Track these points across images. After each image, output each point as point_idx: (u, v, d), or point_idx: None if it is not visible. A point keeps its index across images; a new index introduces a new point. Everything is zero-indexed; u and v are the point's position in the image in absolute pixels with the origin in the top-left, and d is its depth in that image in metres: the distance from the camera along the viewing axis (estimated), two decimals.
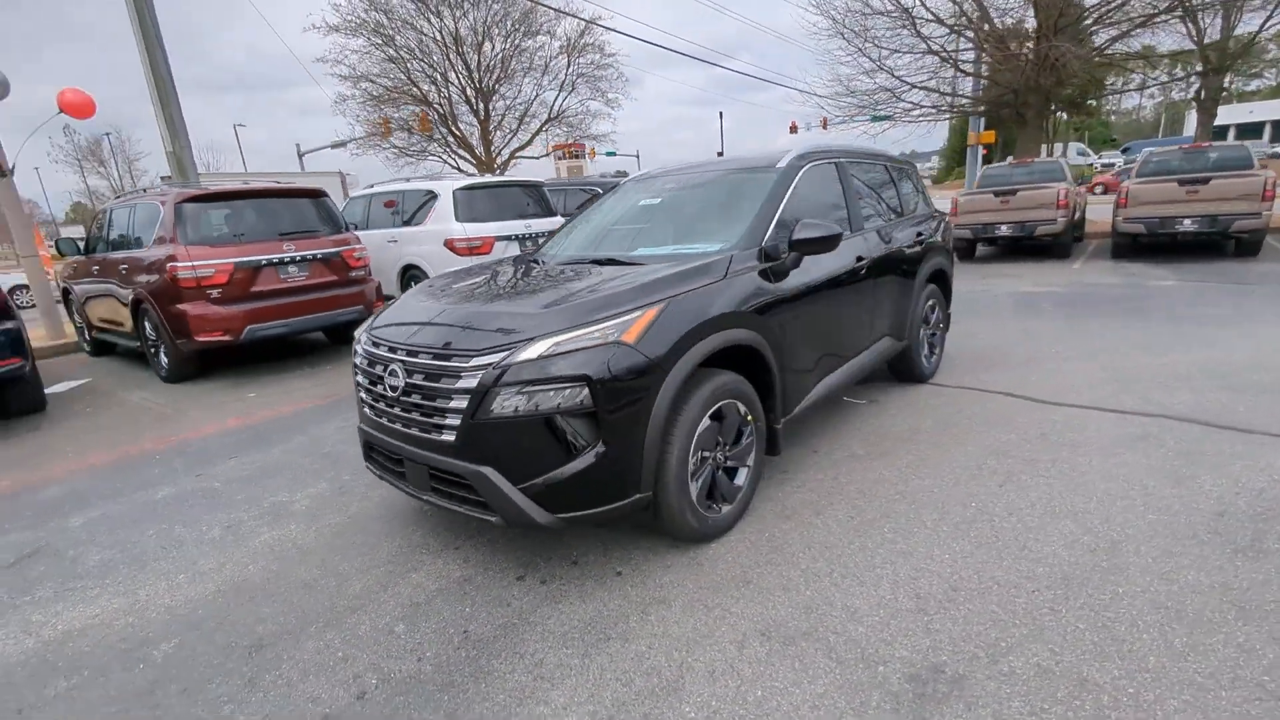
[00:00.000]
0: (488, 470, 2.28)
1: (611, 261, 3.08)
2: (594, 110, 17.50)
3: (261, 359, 7.06)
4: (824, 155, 3.72)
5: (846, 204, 3.76)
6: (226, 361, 6.91)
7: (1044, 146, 17.22)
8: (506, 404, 2.22)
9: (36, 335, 9.46)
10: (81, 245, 7.81)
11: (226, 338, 6.05)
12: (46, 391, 6.16)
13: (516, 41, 15.75)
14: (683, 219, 3.51)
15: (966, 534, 2.63)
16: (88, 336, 8.27)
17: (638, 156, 69.93)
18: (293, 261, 6.46)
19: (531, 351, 2.23)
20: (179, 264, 5.93)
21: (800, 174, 3.43)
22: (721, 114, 73.97)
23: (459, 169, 16.83)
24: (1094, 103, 33.29)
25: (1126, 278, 8.39)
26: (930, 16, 14.57)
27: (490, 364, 2.25)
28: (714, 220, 3.35)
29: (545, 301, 2.52)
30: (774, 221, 3.10)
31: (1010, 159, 13.29)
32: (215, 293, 6.01)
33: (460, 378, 2.30)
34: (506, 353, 2.25)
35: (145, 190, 7.24)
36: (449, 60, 15.11)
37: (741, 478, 2.86)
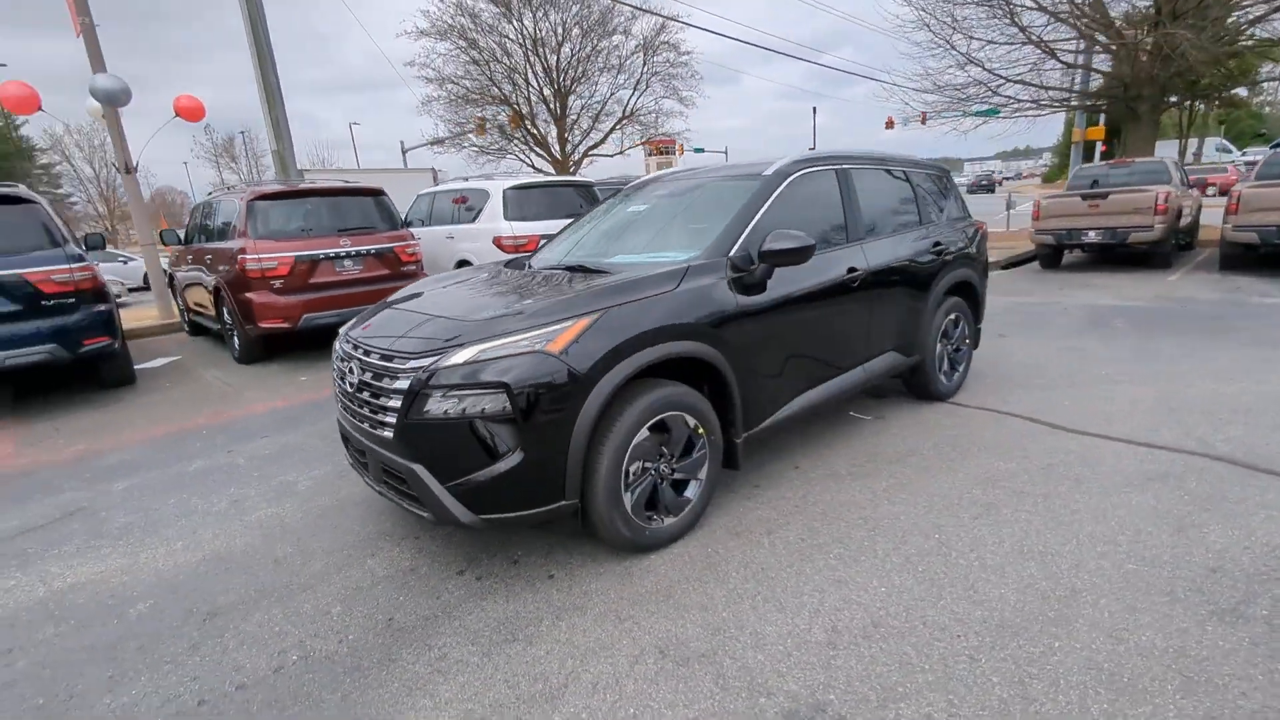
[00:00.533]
0: (418, 467, 2.39)
1: (581, 269, 3.12)
2: (668, 109, 17.58)
3: (324, 345, 7.62)
4: (823, 162, 3.59)
5: (845, 213, 3.61)
6: (291, 345, 7.50)
7: (1178, 142, 15.61)
8: (434, 406, 2.32)
9: (150, 315, 10.66)
10: (181, 236, 8.71)
11: (286, 325, 6.56)
12: (141, 367, 6.93)
13: (594, 42, 16.01)
14: (664, 227, 3.50)
15: (915, 567, 2.48)
16: (186, 318, 9.21)
17: (726, 152, 69.17)
18: (348, 255, 6.91)
19: (459, 357, 2.32)
20: (248, 256, 6.50)
21: (787, 182, 3.33)
22: (815, 109, 71.88)
23: (534, 167, 17.34)
24: (1242, 92, 29.79)
25: (1227, 293, 7.51)
26: (1032, 4, 13.53)
27: (421, 367, 2.35)
28: (692, 229, 3.32)
29: (491, 308, 2.60)
30: (746, 231, 3.04)
31: (1109, 158, 12.15)
32: (278, 283, 6.54)
33: (397, 378, 2.43)
34: (436, 357, 2.35)
35: (230, 188, 7.97)
36: (528, 61, 15.59)
37: (692, 491, 2.83)
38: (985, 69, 14.24)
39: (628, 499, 2.56)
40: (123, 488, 3.84)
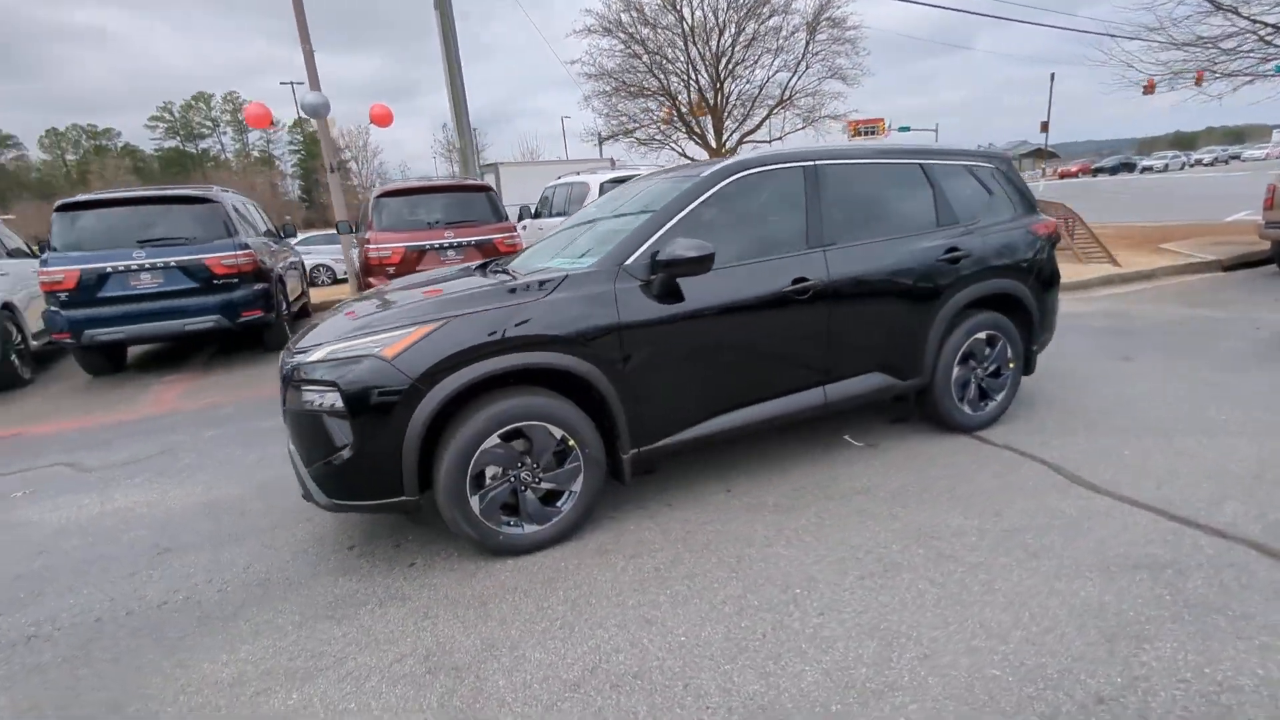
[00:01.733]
0: (292, 449, 2.69)
1: (504, 273, 3.20)
2: (830, 90, 16.33)
3: None
4: (783, 159, 3.24)
5: (807, 217, 3.22)
6: None
7: None
8: (294, 396, 2.59)
9: (344, 292, 12.70)
10: (352, 227, 10.28)
11: None
12: None
13: (756, 25, 15.45)
14: (600, 230, 3.41)
15: (739, 622, 2.22)
16: None
17: (936, 130, 62.83)
18: (451, 246, 7.66)
19: (314, 355, 2.56)
20: (370, 246, 7.53)
21: (722, 185, 3.07)
22: (1053, 76, 62.34)
23: (688, 157, 17.33)
24: None
25: None
26: None
27: (293, 363, 2.63)
28: (618, 233, 3.21)
29: (379, 311, 2.80)
30: (653, 238, 2.88)
31: None
32: (391, 270, 7.48)
33: (283, 368, 2.74)
34: (303, 355, 2.61)
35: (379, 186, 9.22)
36: (686, 51, 15.57)
37: (566, 502, 2.80)
38: (1243, 16, 11.16)
39: (475, 501, 2.63)
40: (211, 435, 4.76)
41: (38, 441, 4.95)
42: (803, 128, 16.94)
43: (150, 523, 3.36)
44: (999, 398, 3.78)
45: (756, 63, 16.02)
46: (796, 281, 3.07)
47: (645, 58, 15.51)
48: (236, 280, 6.94)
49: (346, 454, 2.50)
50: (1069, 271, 8.66)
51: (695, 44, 15.24)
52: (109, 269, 6.46)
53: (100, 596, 2.69)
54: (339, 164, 11.74)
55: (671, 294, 2.85)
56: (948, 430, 3.71)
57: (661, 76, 15.71)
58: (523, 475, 2.71)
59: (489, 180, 25.99)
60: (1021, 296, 3.71)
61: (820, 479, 3.28)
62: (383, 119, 13.37)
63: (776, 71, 15.76)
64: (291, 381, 2.60)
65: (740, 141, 16.74)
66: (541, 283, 2.74)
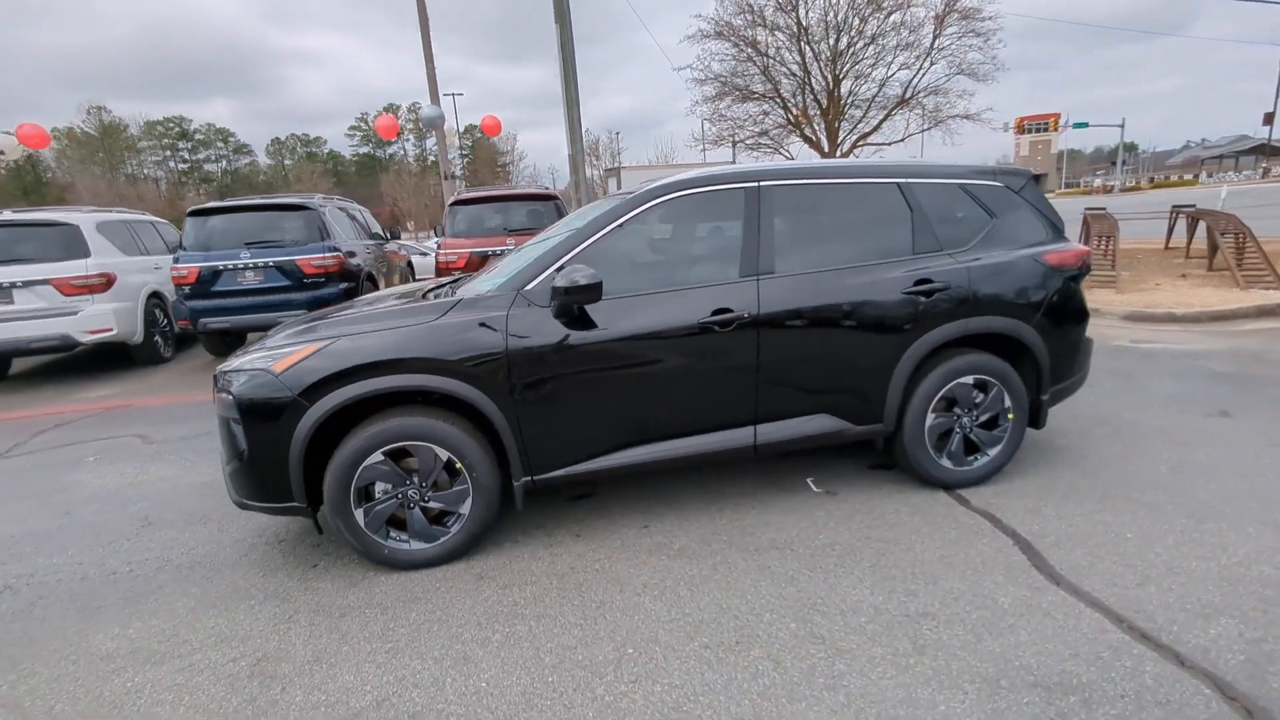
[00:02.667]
0: (221, 446, 2.95)
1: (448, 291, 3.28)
2: (958, 89, 14.70)
3: None
4: (719, 181, 3.02)
5: (744, 242, 2.96)
6: None
7: None
8: (217, 399, 2.83)
9: None
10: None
11: None
12: None
13: (878, 22, 14.38)
14: (530, 251, 3.35)
15: (545, 678, 2.11)
16: None
17: (1122, 126, 55.35)
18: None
19: (230, 364, 2.78)
20: (441, 251, 8.02)
21: (649, 207, 2.92)
22: None
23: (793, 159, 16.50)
24: None
25: None
26: None
27: (217, 370, 2.88)
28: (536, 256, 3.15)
29: (303, 325, 2.98)
30: (557, 263, 2.81)
31: None
32: (457, 274, 7.90)
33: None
34: (225, 364, 2.84)
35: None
36: (800, 52, 14.84)
37: (455, 523, 2.82)
38: None
39: (359, 514, 2.72)
40: None
41: (137, 412, 5.84)
42: (927, 129, 15.52)
43: (154, 497, 3.83)
44: (992, 452, 3.24)
45: (876, 60, 14.98)
46: (718, 312, 2.85)
47: (758, 60, 15.08)
48: (324, 279, 7.71)
49: (242, 460, 2.69)
50: (1221, 298, 7.27)
51: (810, 44, 14.53)
52: (221, 266, 7.45)
53: (75, 560, 3.12)
54: (452, 173, 12.62)
55: (575, 321, 2.76)
56: (927, 484, 3.26)
57: (773, 79, 15.18)
58: (410, 494, 2.76)
59: (611, 184, 26.52)
60: (1023, 337, 3.16)
61: (746, 525, 3.02)
62: (492, 129, 14.25)
63: (898, 70, 14.59)
64: (215, 385, 2.84)
65: (855, 145, 15.73)
66: (436, 305, 2.77)
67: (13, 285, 7.03)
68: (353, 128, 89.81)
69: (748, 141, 16.37)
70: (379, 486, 2.74)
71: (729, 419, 2.98)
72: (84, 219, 7.65)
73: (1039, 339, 3.18)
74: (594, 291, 2.62)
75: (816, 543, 2.83)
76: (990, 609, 2.31)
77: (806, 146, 15.80)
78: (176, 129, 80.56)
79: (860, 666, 2.06)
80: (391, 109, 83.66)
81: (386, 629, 2.42)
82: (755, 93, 15.31)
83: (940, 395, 3.12)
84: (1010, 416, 3.22)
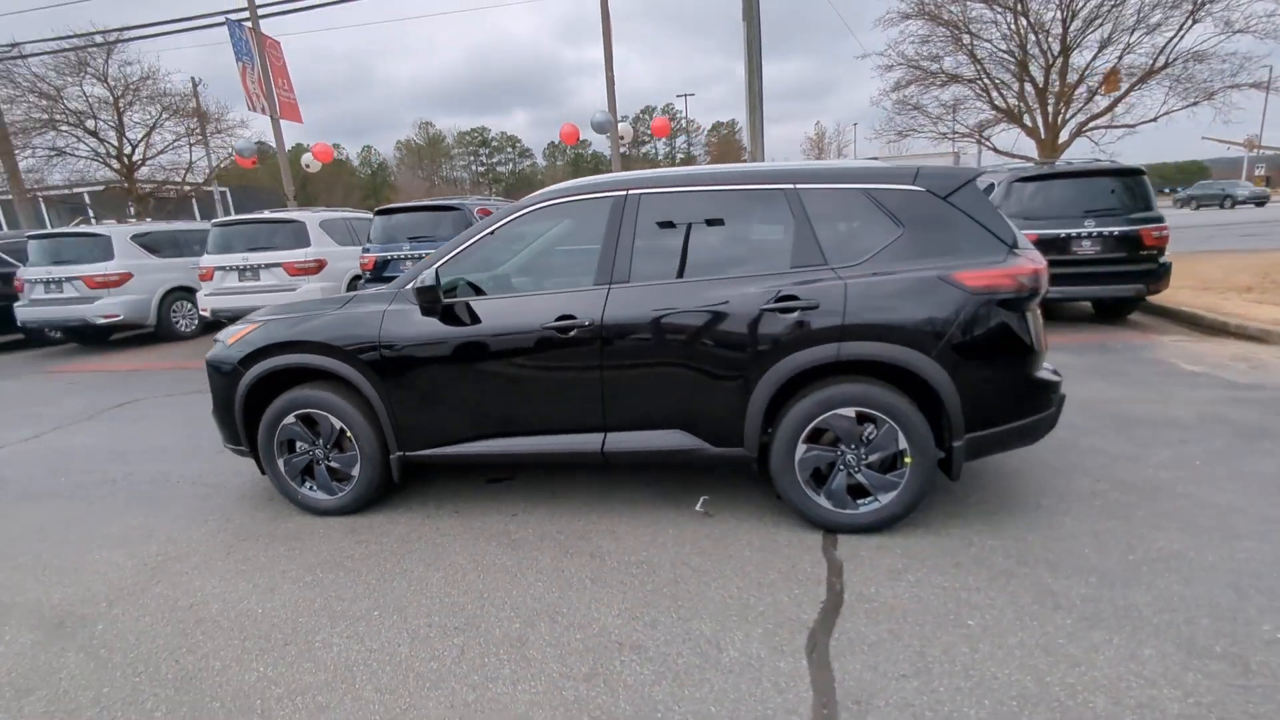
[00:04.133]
0: None
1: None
2: (1230, 52, 10.94)
3: None
4: (587, 190, 3.05)
5: (603, 250, 2.97)
6: None
7: None
8: None
9: None
10: None
11: None
12: None
13: None
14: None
15: (288, 612, 2.49)
16: None
17: None
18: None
19: (218, 333, 3.61)
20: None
21: (522, 215, 3.10)
22: None
23: (1002, 152, 13.96)
24: None
25: None
26: None
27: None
28: None
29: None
30: (435, 265, 3.11)
31: None
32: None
33: None
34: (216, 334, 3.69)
35: None
36: (1015, 24, 12.60)
37: (347, 483, 3.34)
38: None
39: (280, 463, 3.37)
40: None
41: None
42: (1186, 106, 12.01)
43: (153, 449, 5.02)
44: (884, 499, 2.79)
45: (1138, 20, 12.07)
46: (561, 318, 2.93)
47: (963, 38, 13.28)
48: None
49: (215, 409, 3.51)
50: None
51: (1028, 13, 12.33)
52: (389, 256, 9.07)
53: (74, 483, 4.30)
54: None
55: (444, 318, 3.06)
56: (805, 522, 2.94)
57: (979, 60, 13.23)
58: (317, 453, 3.34)
59: None
60: (919, 370, 2.66)
61: (596, 530, 3.05)
62: (661, 130, 14.78)
63: (1142, 33, 11.51)
64: None
65: (1078, 132, 12.92)
66: (340, 298, 3.29)
67: (260, 267, 9.40)
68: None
69: (944, 133, 14.57)
70: (299, 444, 3.36)
71: (578, 423, 3.04)
72: (310, 218, 9.85)
73: (943, 373, 2.66)
74: (431, 293, 2.91)
75: (631, 559, 2.78)
76: (705, 658, 2.13)
77: (1021, 134, 13.56)
78: (479, 138, 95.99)
79: (521, 675, 2.09)
80: (647, 112, 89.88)
81: (262, 554, 3.01)
82: (956, 77, 13.55)
83: (813, 425, 2.79)
84: (908, 460, 2.75)
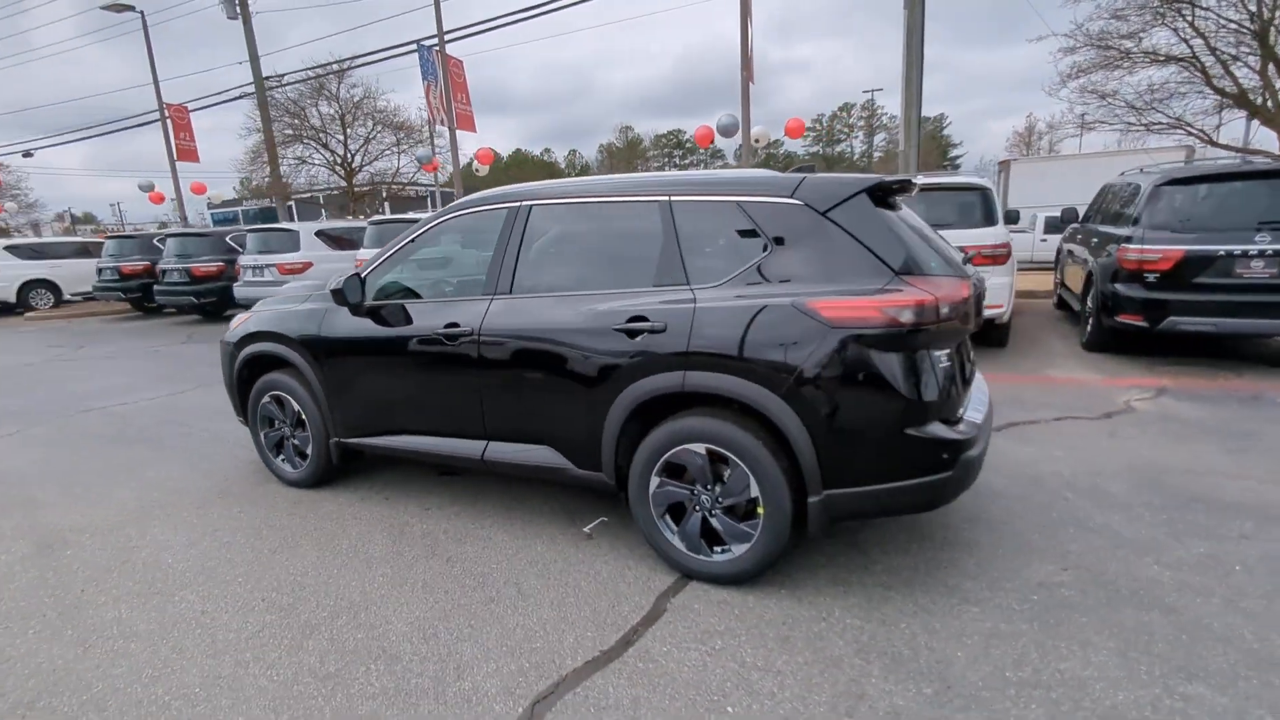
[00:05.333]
0: None
1: None
2: None
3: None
4: (489, 201, 3.09)
5: (493, 260, 2.99)
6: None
7: None
8: None
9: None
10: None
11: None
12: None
13: None
14: None
15: (168, 555, 2.87)
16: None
17: None
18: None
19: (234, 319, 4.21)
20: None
21: (438, 224, 3.24)
22: None
23: (1215, 144, 10.76)
24: None
25: None
26: None
27: None
28: None
29: None
30: (369, 268, 3.35)
31: None
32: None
33: None
34: None
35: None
36: None
37: (304, 460, 3.73)
38: None
39: (261, 435, 3.88)
40: None
41: None
42: None
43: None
44: (737, 550, 2.47)
45: None
46: (449, 326, 3.00)
47: (1186, 9, 10.75)
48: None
49: (226, 383, 4.13)
50: None
51: None
52: None
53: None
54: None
55: (367, 317, 3.30)
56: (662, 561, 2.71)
57: (1203, 33, 10.61)
58: (285, 430, 3.79)
59: (1002, 179, 22.26)
60: (765, 409, 2.30)
61: (475, 535, 3.08)
62: (795, 132, 14.09)
63: None
64: None
65: None
66: (304, 295, 3.67)
67: None
68: (808, 129, 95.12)
69: (1144, 124, 11.99)
70: (275, 421, 3.83)
71: (463, 429, 3.09)
72: None
73: (793, 416, 2.27)
74: (339, 296, 3.15)
75: (476, 569, 2.77)
76: (439, 684, 2.07)
77: (1258, 123, 10.69)
78: (674, 139, 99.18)
79: (281, 663, 2.22)
80: (846, 109, 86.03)
81: (217, 513, 3.50)
82: (1161, 56, 11.08)
83: (665, 459, 2.56)
84: (760, 510, 2.41)
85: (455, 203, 3.27)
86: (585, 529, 3.07)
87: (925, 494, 2.29)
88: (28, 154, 31.52)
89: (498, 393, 2.94)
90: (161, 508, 3.58)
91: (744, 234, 2.48)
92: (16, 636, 2.44)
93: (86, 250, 16.81)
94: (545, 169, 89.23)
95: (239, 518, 3.41)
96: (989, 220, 6.27)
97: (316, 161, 21.80)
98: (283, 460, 3.85)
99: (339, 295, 3.17)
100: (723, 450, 2.43)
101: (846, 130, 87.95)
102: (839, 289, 2.27)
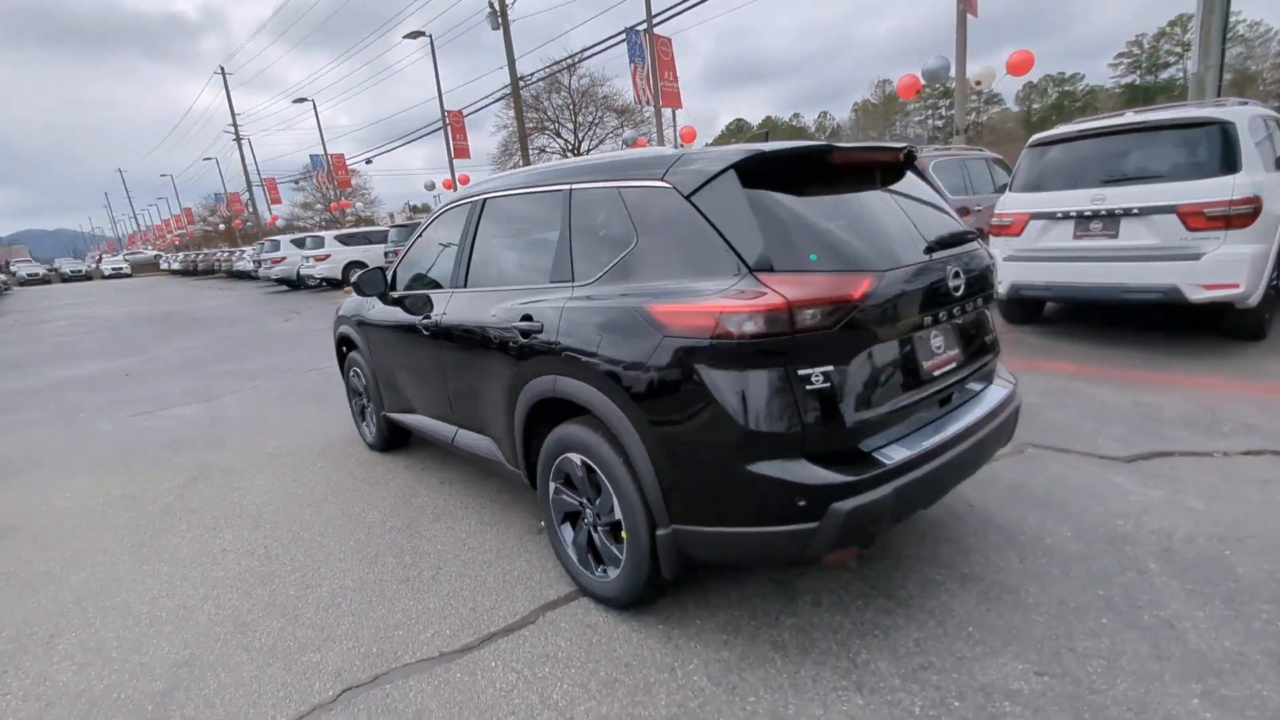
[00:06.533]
0: None
1: None
2: None
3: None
4: (462, 196, 3.17)
5: (459, 253, 3.06)
6: None
7: None
8: None
9: None
10: None
11: None
12: None
13: None
14: None
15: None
16: None
17: None
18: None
19: None
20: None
21: (434, 219, 3.42)
22: None
23: None
24: None
25: None
26: None
27: None
28: None
29: None
30: (398, 260, 3.69)
31: None
32: None
33: None
34: None
35: None
36: None
37: (371, 424, 4.31)
38: None
39: (352, 404, 4.55)
40: None
41: None
42: None
43: None
44: (611, 573, 2.25)
45: None
46: (425, 317, 3.17)
47: None
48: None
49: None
50: None
51: None
52: None
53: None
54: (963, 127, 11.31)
55: (390, 306, 3.66)
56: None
57: None
58: (364, 401, 4.39)
59: None
60: (612, 426, 2.01)
61: (439, 509, 3.27)
62: (1020, 66, 11.54)
63: None
64: None
65: None
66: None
67: None
68: (1120, 55, 76.64)
69: None
70: (358, 392, 4.46)
71: (441, 414, 3.27)
72: None
73: (635, 435, 1.97)
74: (357, 287, 3.51)
75: (424, 547, 2.95)
76: (243, 649, 2.29)
77: None
78: (941, 89, 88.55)
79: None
80: (1180, 22, 67.56)
81: (308, 466, 4.24)
82: None
83: (556, 465, 2.42)
84: (624, 535, 2.16)
85: (448, 199, 3.41)
86: (541, 523, 3.06)
87: (785, 546, 1.82)
88: (369, 161, 40.24)
89: (456, 382, 3.05)
90: (281, 458, 4.43)
91: (622, 223, 2.19)
92: (110, 550, 3.27)
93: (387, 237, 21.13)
94: (794, 135, 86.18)
95: (313, 473, 4.08)
96: (1227, 166, 4.52)
97: (552, 149, 24.21)
98: (365, 426, 4.48)
99: (356, 286, 3.55)
100: (593, 464, 2.22)
101: (1180, 50, 68.77)
102: (682, 289, 1.90)
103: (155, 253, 61.48)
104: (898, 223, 2.13)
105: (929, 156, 7.32)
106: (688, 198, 1.97)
